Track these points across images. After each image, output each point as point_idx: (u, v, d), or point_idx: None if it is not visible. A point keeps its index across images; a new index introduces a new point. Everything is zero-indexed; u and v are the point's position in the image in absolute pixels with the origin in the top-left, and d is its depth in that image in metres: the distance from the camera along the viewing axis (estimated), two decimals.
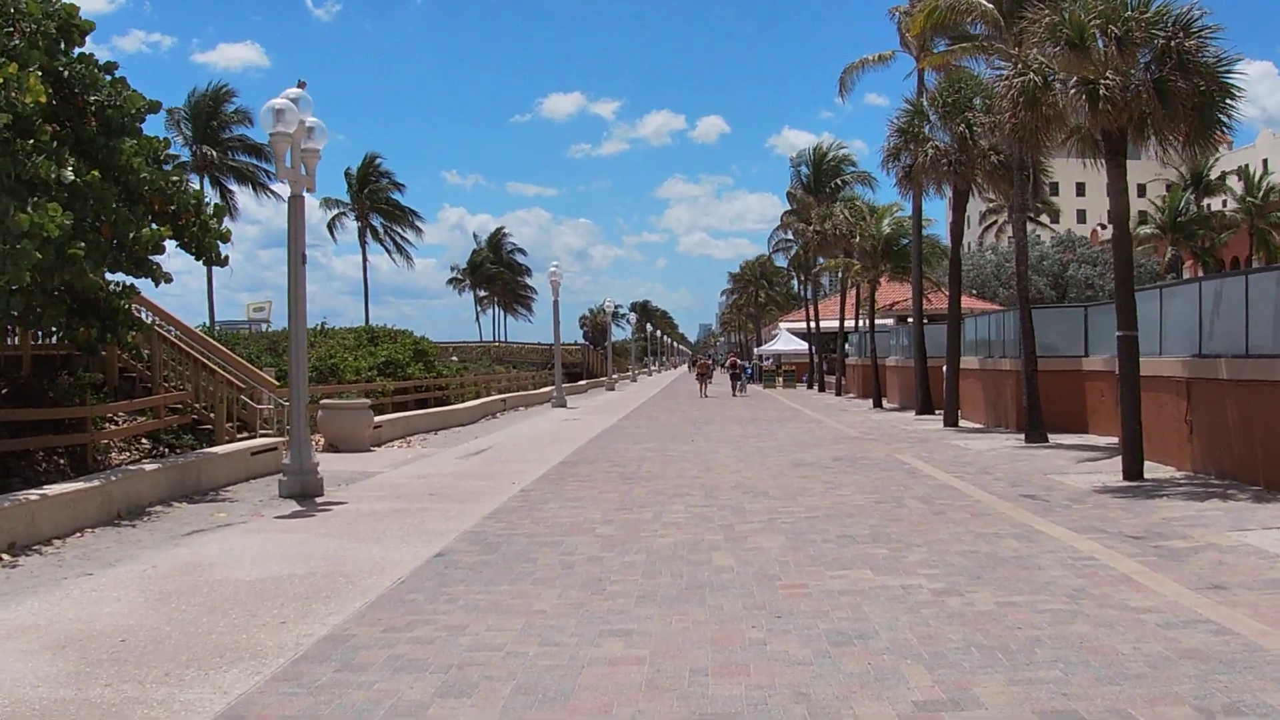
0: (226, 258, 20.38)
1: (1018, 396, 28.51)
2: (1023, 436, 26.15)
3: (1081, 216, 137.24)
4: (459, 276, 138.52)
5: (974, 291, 72.10)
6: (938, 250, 49.17)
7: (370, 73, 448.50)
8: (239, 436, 25.18)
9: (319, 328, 47.29)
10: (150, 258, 18.41)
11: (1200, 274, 77.18)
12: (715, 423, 36.07)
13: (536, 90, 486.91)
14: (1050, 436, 25.38)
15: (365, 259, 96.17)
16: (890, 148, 32.17)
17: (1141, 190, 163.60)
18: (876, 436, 28.35)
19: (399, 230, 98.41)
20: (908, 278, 45.85)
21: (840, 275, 58.46)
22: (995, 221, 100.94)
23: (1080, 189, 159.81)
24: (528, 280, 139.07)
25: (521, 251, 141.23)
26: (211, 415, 25.28)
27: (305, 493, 17.97)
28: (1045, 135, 19.39)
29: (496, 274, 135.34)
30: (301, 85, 18.85)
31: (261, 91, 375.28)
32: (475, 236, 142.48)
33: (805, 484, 18.05)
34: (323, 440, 27.19)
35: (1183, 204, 73.84)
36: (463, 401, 43.80)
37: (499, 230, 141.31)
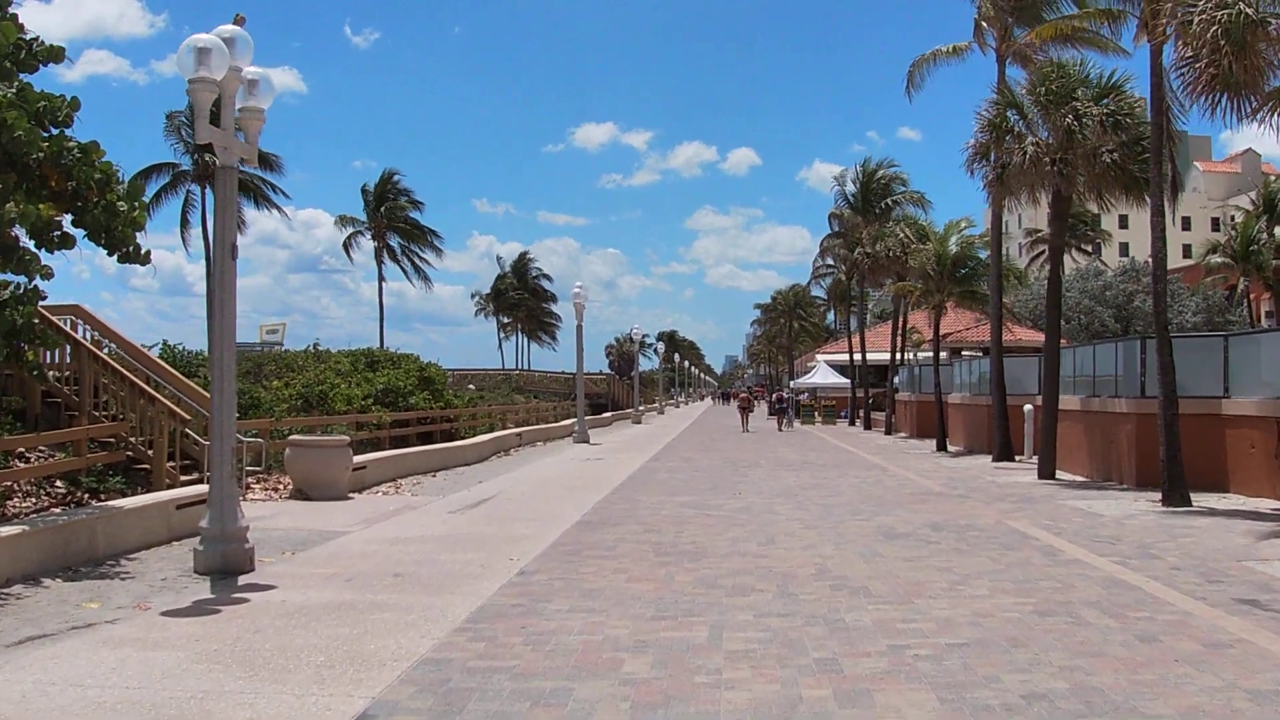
0: (148, 253, 15.62)
1: (1137, 444, 23.48)
2: (1149, 496, 21.21)
3: (1125, 250, 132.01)
4: (482, 302, 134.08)
5: (1029, 322, 66.99)
6: (1011, 274, 44.01)
7: (406, 100, 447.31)
8: (183, 480, 20.41)
9: (310, 349, 42.64)
10: (30, 245, 13.87)
11: (1271, 307, 71.86)
12: (761, 466, 31.03)
13: (569, 120, 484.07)
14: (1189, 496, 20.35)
15: (381, 279, 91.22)
16: (978, 145, 27.08)
17: (1186, 224, 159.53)
18: (964, 492, 23.26)
19: (417, 250, 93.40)
20: (974, 304, 40.73)
21: (896, 301, 53.42)
22: (1042, 252, 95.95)
23: (1123, 221, 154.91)
24: (553, 307, 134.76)
25: (547, 278, 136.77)
26: (151, 453, 20.54)
27: (227, 568, 13.11)
28: (1253, 89, 14.33)
29: (520, 300, 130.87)
30: (239, 21, 14.06)
31: (300, 117, 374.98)
32: (499, 260, 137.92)
33: (914, 573, 13.00)
34: (290, 484, 22.40)
35: (1255, 232, 68.49)
36: (473, 435, 38.97)
37: (524, 255, 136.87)
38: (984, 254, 39.22)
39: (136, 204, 15.00)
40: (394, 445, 32.03)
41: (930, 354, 61.61)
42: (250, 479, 22.91)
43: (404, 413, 35.57)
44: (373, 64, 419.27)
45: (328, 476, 22.01)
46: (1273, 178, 78.52)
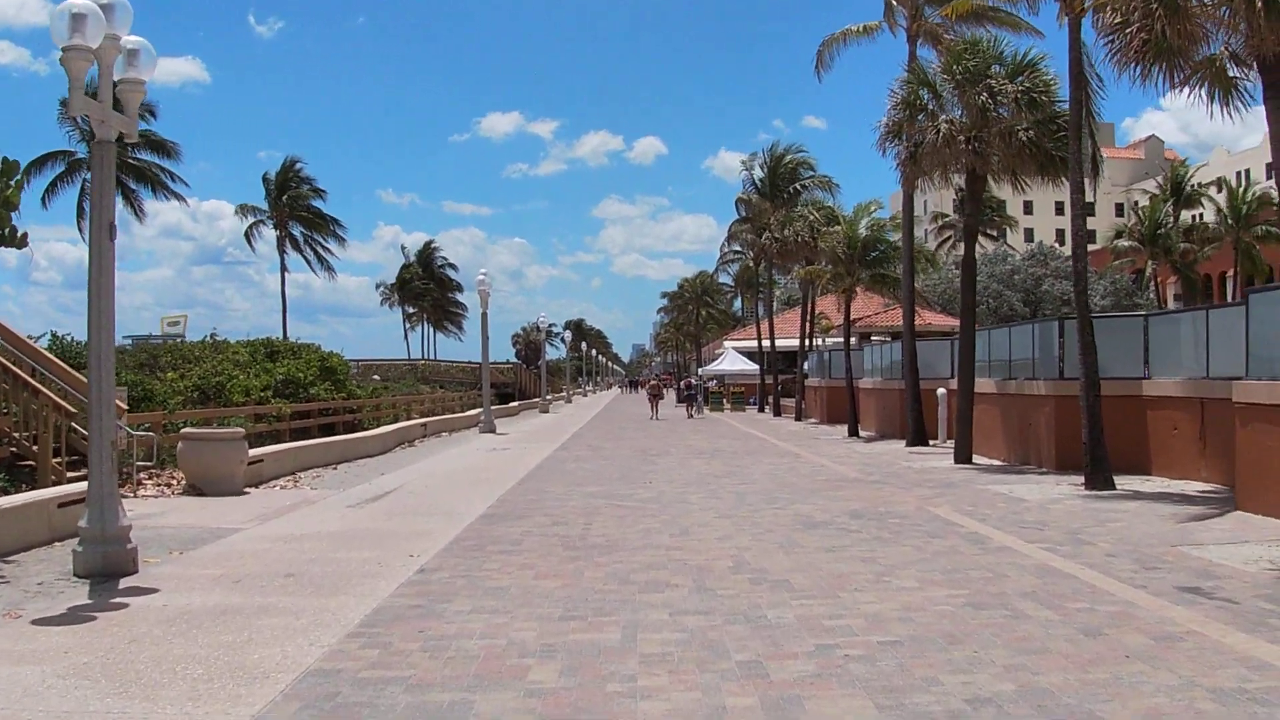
0: (24, 236, 14.65)
1: (1056, 427, 23.05)
2: (1071, 479, 20.79)
3: (1030, 235, 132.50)
4: (387, 293, 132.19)
5: (938, 307, 66.89)
6: (922, 256, 43.50)
7: (311, 91, 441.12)
8: (70, 477, 19.30)
9: (208, 340, 41.40)
10: None
11: (1179, 290, 72.43)
12: (671, 454, 30.32)
13: (475, 109, 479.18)
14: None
15: (284, 269, 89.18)
16: (890, 123, 26.43)
17: (1090, 209, 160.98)
18: (880, 478, 22.68)
19: (320, 240, 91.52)
20: (885, 288, 40.24)
21: (804, 287, 52.94)
22: (949, 237, 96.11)
23: (1028, 207, 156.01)
24: (459, 296, 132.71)
25: (452, 267, 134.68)
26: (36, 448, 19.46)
27: (108, 570, 12.14)
28: (1185, 56, 13.76)
29: (426, 290, 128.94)
30: None
31: (203, 107, 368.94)
32: (404, 250, 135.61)
33: (837, 564, 12.30)
34: (184, 479, 21.36)
35: (1161, 215, 68.96)
36: (376, 427, 37.93)
37: (429, 244, 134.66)
38: (894, 237, 38.72)
39: (11, 184, 14.02)
40: (295, 438, 31.02)
41: (839, 339, 61.42)
42: (142, 474, 21.86)
43: (305, 404, 34.50)
44: (277, 54, 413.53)
45: (222, 471, 21.00)
46: (1177, 162, 78.85)
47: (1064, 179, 24.98)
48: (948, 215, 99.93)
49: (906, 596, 10.43)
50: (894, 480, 22.04)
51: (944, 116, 25.01)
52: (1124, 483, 19.97)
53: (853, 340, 56.96)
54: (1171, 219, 71.45)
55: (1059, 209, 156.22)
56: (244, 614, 10.05)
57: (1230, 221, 69.52)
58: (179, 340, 60.38)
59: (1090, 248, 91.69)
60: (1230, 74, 15.32)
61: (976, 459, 26.06)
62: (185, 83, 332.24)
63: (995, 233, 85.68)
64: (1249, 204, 69.84)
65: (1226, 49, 15.72)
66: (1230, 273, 74.82)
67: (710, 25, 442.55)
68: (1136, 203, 77.48)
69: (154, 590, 11.25)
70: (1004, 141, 24.39)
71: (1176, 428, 20.66)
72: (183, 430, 22.12)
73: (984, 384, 26.53)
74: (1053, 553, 12.85)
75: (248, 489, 21.62)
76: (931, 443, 31.76)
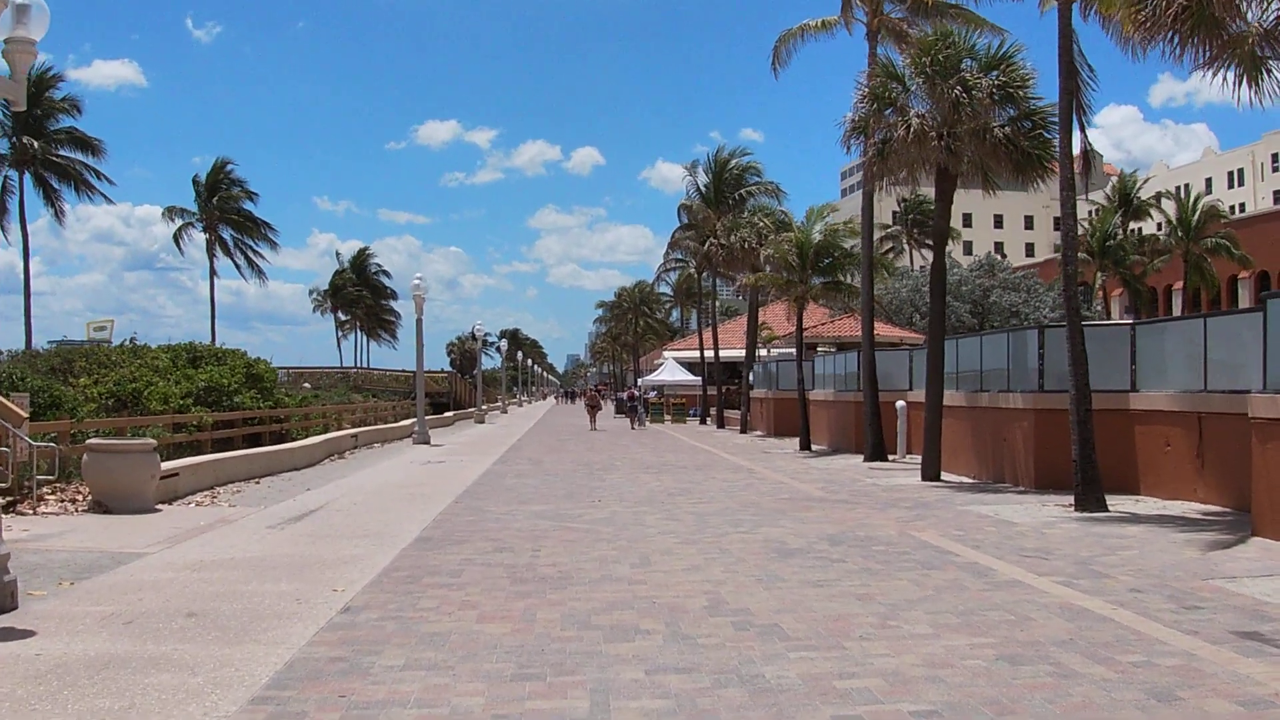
0: None
1: (1036, 444, 21.54)
2: (1057, 499, 19.34)
3: (1000, 249, 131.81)
4: (320, 299, 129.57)
5: (884, 318, 65.46)
6: (880, 264, 41.85)
7: (248, 96, 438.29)
8: None
9: (127, 344, 39.34)
10: None
11: (1127, 303, 71.53)
12: (618, 468, 28.62)
13: (412, 117, 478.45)
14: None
15: (213, 274, 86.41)
16: (856, 119, 24.81)
17: (1029, 222, 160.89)
18: (848, 496, 21.08)
19: (251, 244, 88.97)
20: (840, 295, 38.65)
21: (751, 295, 51.39)
22: (892, 248, 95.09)
23: (998, 220, 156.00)
24: (393, 304, 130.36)
25: (386, 274, 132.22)
26: None
27: None
28: (1222, 29, 12.25)
29: (359, 296, 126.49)
30: None
31: (139, 111, 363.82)
32: (338, 256, 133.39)
33: (830, 603, 10.62)
34: (89, 495, 19.50)
35: (1110, 227, 67.93)
36: (305, 437, 35.98)
37: (363, 251, 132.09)
38: (848, 243, 37.10)
39: None
40: (218, 448, 29.14)
41: (784, 350, 59.93)
42: (44, 489, 20.01)
43: (228, 413, 32.53)
44: (214, 58, 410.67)
45: (130, 486, 19.15)
46: (1126, 175, 78.03)
47: (1040, 179, 23.65)
48: (889, 225, 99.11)
49: (925, 647, 8.77)
50: (863, 500, 20.44)
51: (915, 110, 23.43)
52: (1115, 503, 18.43)
53: (790, 352, 55.77)
54: (1121, 231, 70.45)
55: (998, 221, 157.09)
56: (131, 668, 8.30)
57: (1180, 234, 68.66)
58: (106, 347, 58.20)
59: (1029, 261, 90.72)
60: (1259, 53, 13.84)
61: (946, 476, 24.55)
62: (121, 85, 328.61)
63: (957, 248, 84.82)
64: (1198, 216, 68.97)
65: (1259, 25, 14.26)
66: (1178, 285, 74.07)
67: (648, 37, 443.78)
68: (1090, 214, 76.22)
69: (30, 634, 9.48)
70: (977, 139, 22.89)
71: (1169, 444, 19.17)
72: (88, 441, 20.18)
73: (952, 396, 25.01)
74: (1070, 587, 11.26)
75: (160, 506, 19.86)
76: (891, 457, 30.22)
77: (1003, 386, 23.41)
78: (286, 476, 26.89)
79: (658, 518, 17.71)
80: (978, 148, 23.01)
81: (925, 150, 23.06)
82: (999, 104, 22.88)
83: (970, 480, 24.17)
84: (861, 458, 30.69)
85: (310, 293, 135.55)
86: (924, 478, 24.06)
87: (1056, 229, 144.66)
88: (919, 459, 28.13)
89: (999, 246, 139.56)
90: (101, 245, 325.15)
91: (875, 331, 51.75)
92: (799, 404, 37.25)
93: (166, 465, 21.65)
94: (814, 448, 36.56)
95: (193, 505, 20.60)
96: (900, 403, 30.48)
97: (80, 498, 19.91)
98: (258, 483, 25.03)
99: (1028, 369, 22.38)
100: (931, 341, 24.65)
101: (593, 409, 59.49)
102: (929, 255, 78.00)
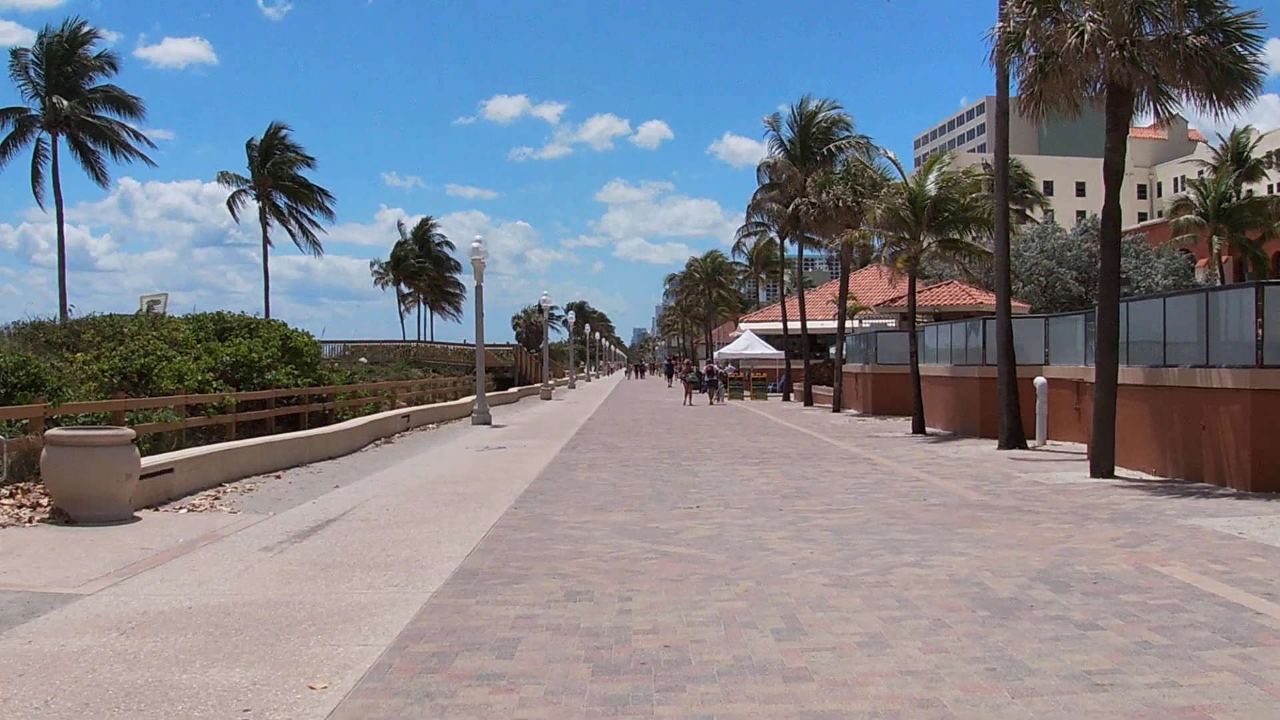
0: None
1: (1250, 433, 16.79)
2: None
3: (1081, 219, 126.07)
4: (382, 271, 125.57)
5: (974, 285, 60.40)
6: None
7: (318, 72, 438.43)
8: None
9: (141, 314, 35.20)
10: None
11: (1252, 271, 66.02)
12: (710, 458, 24.03)
13: (481, 92, 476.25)
14: None
15: (266, 242, 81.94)
16: (1006, 30, 20.13)
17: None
18: (1014, 501, 16.33)
19: (306, 211, 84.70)
20: (959, 255, 33.74)
21: (844, 258, 46.76)
22: None
23: (1080, 189, 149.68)
24: (457, 276, 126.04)
25: (449, 245, 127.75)
26: None
27: None
28: None
29: (421, 268, 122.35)
30: None
31: (209, 88, 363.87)
32: (400, 227, 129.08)
33: None
34: (49, 501, 15.33)
35: (1225, 188, 62.45)
36: (352, 418, 31.73)
37: (425, 221, 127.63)
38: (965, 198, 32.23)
39: None
40: (245, 433, 24.98)
41: (876, 320, 55.06)
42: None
43: (258, 392, 28.19)
44: (284, 35, 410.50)
45: (99, 488, 14.93)
46: (1238, 131, 72.22)
47: (1239, 101, 18.85)
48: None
49: None
50: (1039, 507, 15.73)
51: (1087, 14, 18.64)
52: None
53: (889, 323, 50.93)
54: (1233, 194, 64.89)
55: (1079, 190, 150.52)
56: None
57: None
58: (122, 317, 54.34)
59: (1143, 225, 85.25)
60: None
61: (1120, 471, 19.83)
62: (191, 64, 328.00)
63: (1031, 212, 79.27)
64: None
65: None
66: None
67: (717, 10, 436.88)
68: (1199, 175, 70.68)
69: None
70: (1164, 49, 18.15)
71: None
72: (46, 432, 15.84)
73: (1124, 372, 20.21)
74: None
75: (143, 511, 15.71)
76: (1030, 444, 25.48)
77: (1198, 360, 18.56)
78: (317, 467, 22.66)
79: (782, 536, 13.17)
80: (1165, 62, 18.25)
81: (1103, 62, 18.29)
82: (1191, 7, 18.22)
83: (1155, 478, 19.33)
84: (993, 444, 25.96)
85: (372, 264, 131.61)
86: (1095, 473, 19.32)
87: (1140, 197, 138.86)
88: (1061, 446, 23.97)
89: (1080, 215, 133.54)
90: (171, 222, 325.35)
91: (981, 301, 47.09)
92: (912, 380, 32.38)
93: (156, 459, 17.44)
94: (929, 430, 31.83)
95: (185, 510, 16.33)
96: (1040, 379, 25.73)
97: (43, 504, 15.70)
98: (278, 476, 20.79)
99: (1238, 340, 17.59)
100: (1103, 303, 19.76)
101: (690, 385, 57.97)
102: (1029, 224, 72.79)
